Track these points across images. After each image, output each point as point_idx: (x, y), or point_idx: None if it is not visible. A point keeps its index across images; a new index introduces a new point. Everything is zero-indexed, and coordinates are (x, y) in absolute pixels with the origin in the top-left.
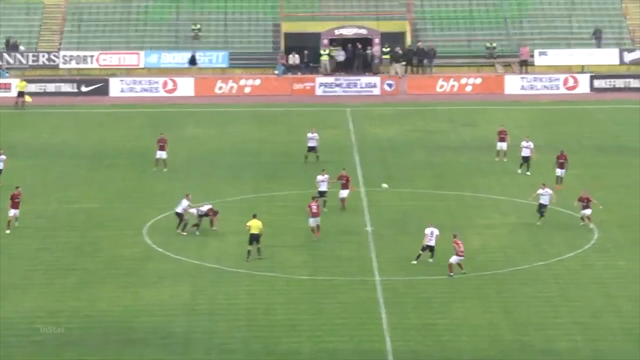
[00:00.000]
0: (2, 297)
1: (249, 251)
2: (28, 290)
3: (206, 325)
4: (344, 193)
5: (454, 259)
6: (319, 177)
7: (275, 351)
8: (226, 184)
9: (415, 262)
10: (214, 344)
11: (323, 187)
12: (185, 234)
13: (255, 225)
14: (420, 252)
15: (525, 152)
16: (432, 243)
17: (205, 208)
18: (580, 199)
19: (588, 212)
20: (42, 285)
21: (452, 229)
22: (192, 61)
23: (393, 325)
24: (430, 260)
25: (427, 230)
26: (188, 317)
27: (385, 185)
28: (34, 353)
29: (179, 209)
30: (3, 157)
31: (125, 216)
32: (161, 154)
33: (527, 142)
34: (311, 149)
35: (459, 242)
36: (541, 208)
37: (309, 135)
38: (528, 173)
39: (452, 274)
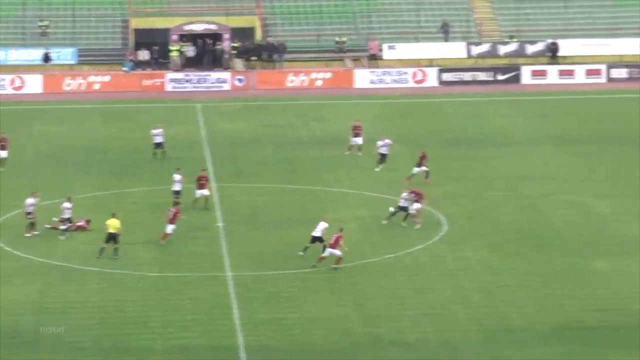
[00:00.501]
0: None
1: (102, 248)
2: None
3: (56, 323)
4: (204, 192)
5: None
6: (175, 176)
7: (127, 348)
8: (75, 181)
9: (302, 253)
10: (64, 342)
11: (177, 187)
12: (30, 235)
13: (112, 225)
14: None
15: (383, 150)
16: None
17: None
18: (414, 192)
19: (417, 206)
20: None
21: (303, 223)
22: (46, 58)
23: (244, 320)
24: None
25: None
26: (37, 315)
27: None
28: None
29: (28, 208)
30: None
31: None
32: (2, 153)
33: (382, 140)
34: (158, 145)
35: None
36: (402, 210)
37: (154, 131)
38: (377, 169)
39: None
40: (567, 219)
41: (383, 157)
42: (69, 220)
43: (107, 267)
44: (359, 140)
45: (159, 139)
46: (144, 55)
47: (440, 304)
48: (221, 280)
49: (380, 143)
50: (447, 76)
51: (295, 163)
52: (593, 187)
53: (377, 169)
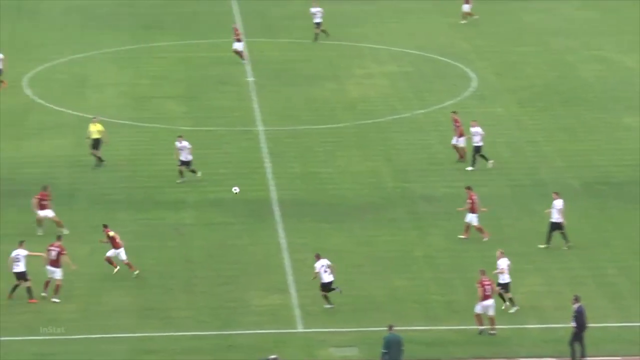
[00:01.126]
0: None
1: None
2: None
3: (89, 176)
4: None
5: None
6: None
7: (159, 201)
8: (103, 34)
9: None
10: (98, 194)
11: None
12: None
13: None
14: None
15: None
16: (507, 279)
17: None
18: None
19: None
20: None
21: (333, 79)
22: None
23: (277, 174)
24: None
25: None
26: (71, 168)
27: (235, 189)
28: None
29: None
30: None
31: (2, 68)
32: None
33: None
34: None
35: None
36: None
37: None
38: None
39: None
40: (596, 74)
41: None
42: None
43: (139, 121)
44: None
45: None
46: None
47: (469, 158)
48: (253, 134)
49: None
50: None
51: (324, 18)
52: (622, 41)
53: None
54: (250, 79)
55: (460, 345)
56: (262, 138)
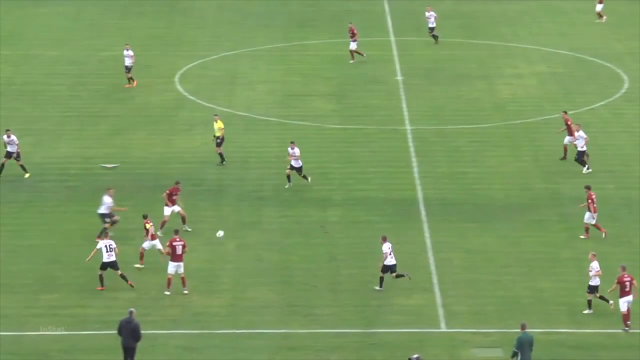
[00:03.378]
0: (36, 144)
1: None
2: (61, 137)
3: (237, 172)
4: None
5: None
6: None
7: (306, 198)
8: (256, 32)
9: (588, 311)
10: (246, 190)
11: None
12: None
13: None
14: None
15: None
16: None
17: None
18: None
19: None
20: (75, 132)
21: (483, 78)
22: None
23: (424, 174)
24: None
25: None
26: (220, 164)
27: (220, 233)
28: (69, 198)
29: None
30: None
31: (155, 64)
32: None
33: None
34: None
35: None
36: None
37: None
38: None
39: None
40: None
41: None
42: None
43: (287, 118)
44: None
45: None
46: None
47: (621, 160)
48: (401, 133)
49: None
50: None
51: (474, 17)
52: None
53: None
54: (400, 77)
55: (607, 349)
56: (410, 137)
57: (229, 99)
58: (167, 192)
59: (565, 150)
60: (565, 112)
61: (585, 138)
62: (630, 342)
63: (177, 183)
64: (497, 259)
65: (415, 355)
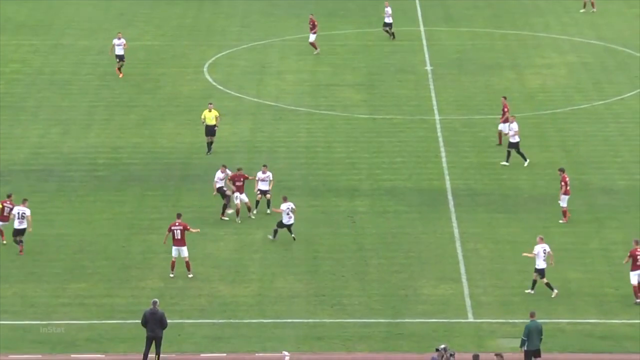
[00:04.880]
0: (65, 133)
1: None
2: (90, 126)
3: (267, 162)
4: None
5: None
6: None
7: (334, 188)
8: (284, 22)
9: (530, 291)
10: (275, 180)
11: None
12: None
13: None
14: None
15: None
16: (543, 265)
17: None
18: None
19: None
20: (104, 122)
21: (512, 68)
22: None
23: (452, 164)
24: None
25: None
26: (248, 154)
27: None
28: (97, 188)
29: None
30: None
31: (185, 53)
32: None
33: None
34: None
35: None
36: None
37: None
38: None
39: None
40: None
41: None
42: None
43: (316, 108)
44: None
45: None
46: None
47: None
48: (429, 123)
49: None
50: None
51: (504, 7)
52: None
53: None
54: (429, 67)
55: (635, 340)
56: (438, 127)
57: (257, 88)
58: (229, 178)
59: (500, 136)
60: (505, 98)
61: (516, 130)
62: None
63: (239, 169)
64: (525, 249)
65: (443, 345)
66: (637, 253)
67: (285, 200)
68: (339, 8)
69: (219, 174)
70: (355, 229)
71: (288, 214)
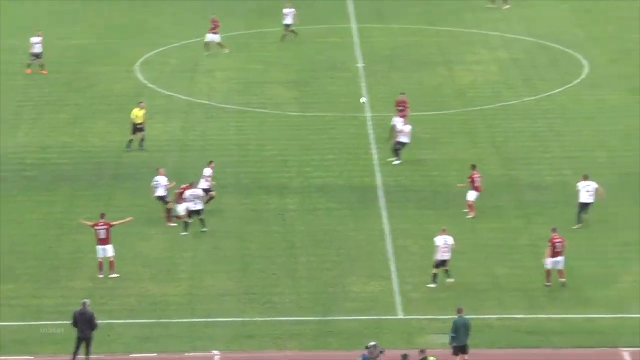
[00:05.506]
0: None
1: None
2: (19, 125)
3: (197, 160)
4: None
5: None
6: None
7: (265, 185)
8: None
9: (433, 285)
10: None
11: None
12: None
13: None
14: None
15: None
16: (447, 256)
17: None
18: None
19: None
20: (32, 121)
21: (443, 65)
22: None
23: (383, 160)
24: (450, 280)
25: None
26: (180, 152)
27: (363, 99)
28: (26, 188)
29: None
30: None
31: (116, 52)
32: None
33: None
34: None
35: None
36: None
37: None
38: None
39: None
40: None
41: None
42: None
43: (247, 106)
44: None
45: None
46: None
47: (579, 147)
48: (360, 120)
49: None
50: None
51: (435, 4)
52: None
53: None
54: (360, 64)
55: (562, 334)
56: (370, 124)
57: (189, 87)
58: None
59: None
60: (403, 93)
61: (408, 132)
62: (585, 327)
63: (210, 163)
64: (455, 245)
65: (372, 343)
66: (555, 241)
67: (191, 185)
68: (270, 6)
69: (207, 170)
70: (285, 227)
71: (192, 200)
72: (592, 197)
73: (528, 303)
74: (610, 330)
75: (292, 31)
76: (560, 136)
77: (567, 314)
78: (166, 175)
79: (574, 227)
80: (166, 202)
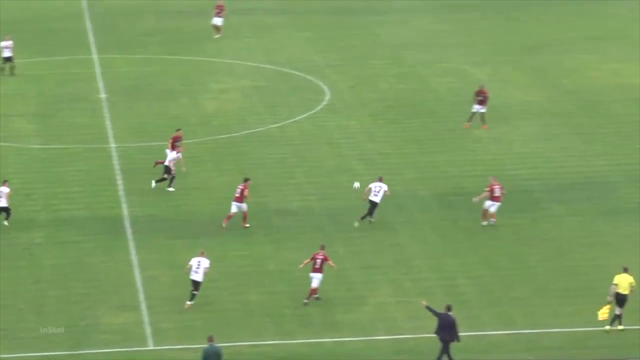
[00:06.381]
0: None
1: None
2: None
3: None
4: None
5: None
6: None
7: (11, 221)
8: None
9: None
10: None
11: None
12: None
13: None
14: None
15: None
16: (378, 199)
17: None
18: None
19: None
20: None
21: (187, 94)
22: None
23: (129, 191)
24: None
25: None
26: None
27: (356, 185)
28: None
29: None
30: None
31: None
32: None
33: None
34: (6, 59)
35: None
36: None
37: (3, 44)
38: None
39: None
40: (448, 86)
41: None
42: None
43: None
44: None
45: (7, 53)
46: None
47: (323, 172)
48: (106, 151)
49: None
50: None
51: (175, 34)
52: (473, 53)
53: None
54: (103, 95)
55: (314, 358)
56: (115, 155)
57: None
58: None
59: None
60: (179, 130)
61: (175, 158)
62: (335, 350)
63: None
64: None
65: None
66: (317, 257)
67: None
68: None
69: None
70: (32, 261)
71: None
72: (377, 197)
73: (279, 329)
74: (360, 352)
75: (12, 65)
76: (305, 162)
77: (317, 338)
78: None
79: (355, 225)
80: None
